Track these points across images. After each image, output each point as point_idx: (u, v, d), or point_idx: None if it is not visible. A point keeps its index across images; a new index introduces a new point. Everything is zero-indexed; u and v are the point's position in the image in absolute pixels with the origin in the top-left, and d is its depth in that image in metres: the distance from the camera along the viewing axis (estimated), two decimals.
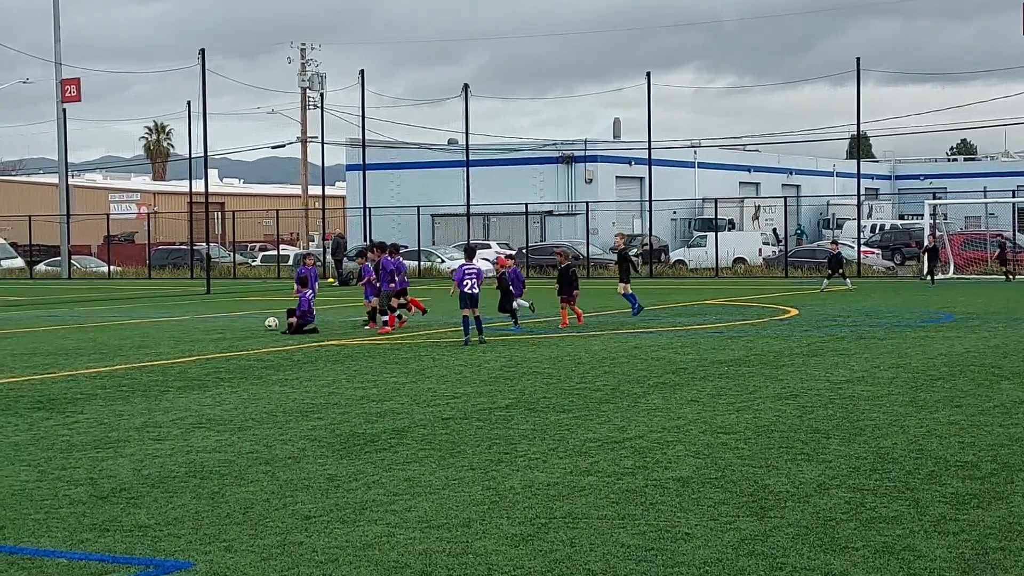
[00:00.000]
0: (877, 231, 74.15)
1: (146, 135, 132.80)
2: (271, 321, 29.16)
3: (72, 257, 75.58)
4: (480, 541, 8.90)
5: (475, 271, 25.03)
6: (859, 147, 70.25)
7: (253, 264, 75.62)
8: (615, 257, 44.20)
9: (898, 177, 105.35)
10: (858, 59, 59.76)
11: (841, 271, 45.14)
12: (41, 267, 77.95)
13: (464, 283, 24.72)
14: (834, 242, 50.33)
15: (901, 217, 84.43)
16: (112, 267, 75.28)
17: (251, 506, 10.12)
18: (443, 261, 66.51)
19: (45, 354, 23.76)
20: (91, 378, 19.61)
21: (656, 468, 11.43)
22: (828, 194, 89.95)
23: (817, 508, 9.76)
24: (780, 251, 66.63)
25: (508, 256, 35.77)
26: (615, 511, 9.74)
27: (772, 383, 17.48)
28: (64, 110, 74.47)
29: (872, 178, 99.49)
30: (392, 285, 27.88)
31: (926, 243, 51.10)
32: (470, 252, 26.54)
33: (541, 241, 72.54)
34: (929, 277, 48.38)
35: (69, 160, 77.95)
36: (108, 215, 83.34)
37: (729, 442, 12.75)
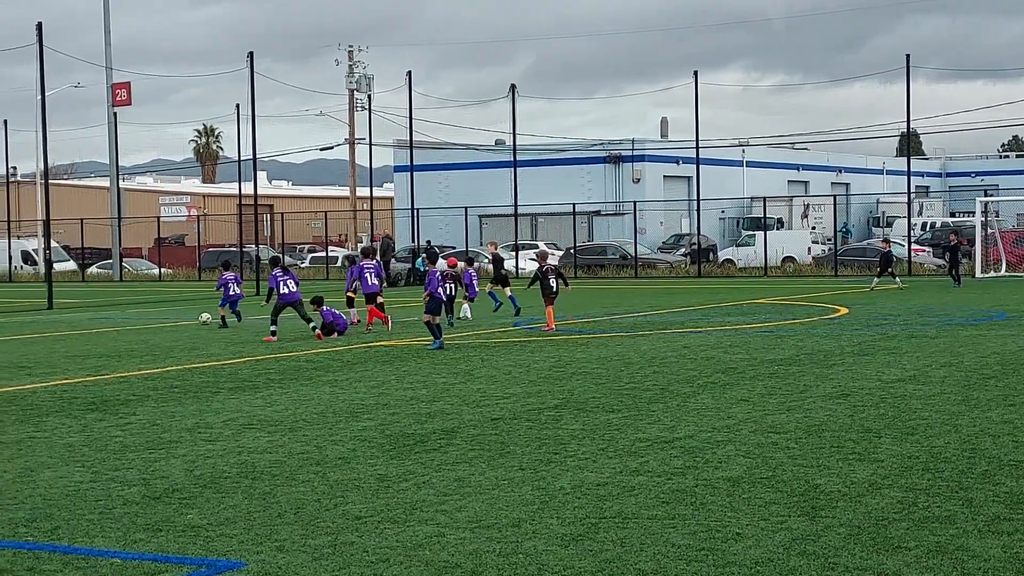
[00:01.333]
0: (928, 229, 73.60)
1: (196, 138, 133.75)
2: (205, 317, 31.96)
3: (123, 259, 76.19)
4: (530, 541, 8.90)
5: (451, 276, 25.66)
6: (909, 144, 69.74)
7: (302, 266, 75.98)
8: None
9: (949, 175, 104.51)
10: (908, 56, 59.37)
11: (891, 270, 44.81)
12: (93, 269, 78.64)
13: (438, 290, 24.59)
14: (885, 240, 49.92)
15: (952, 215, 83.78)
16: (163, 269, 75.81)
17: (302, 506, 10.17)
18: (490, 261, 66.53)
19: (98, 356, 23.96)
20: (143, 379, 19.76)
21: (706, 468, 11.40)
22: (878, 192, 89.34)
23: (869, 508, 9.70)
24: (829, 250, 66.25)
25: (469, 259, 35.98)
26: (665, 511, 9.72)
27: (823, 382, 17.39)
28: (115, 114, 75.07)
29: (922, 176, 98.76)
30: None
31: (951, 241, 49.04)
32: (469, 261, 26.81)
33: (589, 241, 72.45)
34: (953, 276, 46.18)
35: (120, 163, 78.59)
36: (159, 218, 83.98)
37: (780, 442, 12.69)
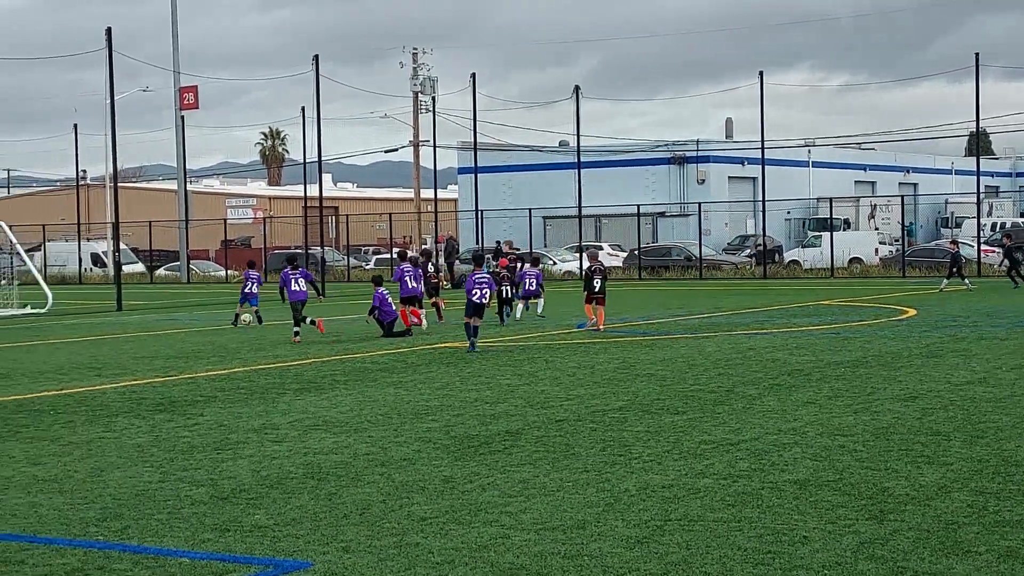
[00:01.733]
0: (997, 229, 72.71)
1: (261, 141, 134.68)
2: (246, 318, 32.91)
3: (191, 261, 76.85)
4: (595, 543, 8.88)
5: (486, 280, 25.03)
6: (978, 144, 69.03)
7: (367, 267, 76.28)
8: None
9: (1019, 174, 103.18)
10: (977, 55, 58.68)
11: (959, 271, 44.29)
12: (161, 271, 79.35)
13: (473, 292, 24.56)
14: (953, 241, 49.38)
15: (1022, 215, 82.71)
16: (229, 271, 76.38)
17: (368, 507, 10.21)
18: (555, 263, 66.51)
19: (166, 357, 24.19)
20: (211, 380, 19.93)
21: (772, 471, 11.33)
22: (947, 192, 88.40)
23: (938, 511, 9.60)
24: (897, 250, 65.64)
25: (535, 259, 36.77)
26: (731, 514, 9.67)
27: (890, 384, 17.23)
28: (182, 117, 75.74)
29: (992, 175, 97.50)
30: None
31: (1005, 243, 47.90)
32: (478, 259, 26.40)
33: (653, 242, 72.24)
34: (1013, 278, 44.91)
35: (187, 166, 79.30)
36: (225, 220, 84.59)
37: (847, 444, 12.59)
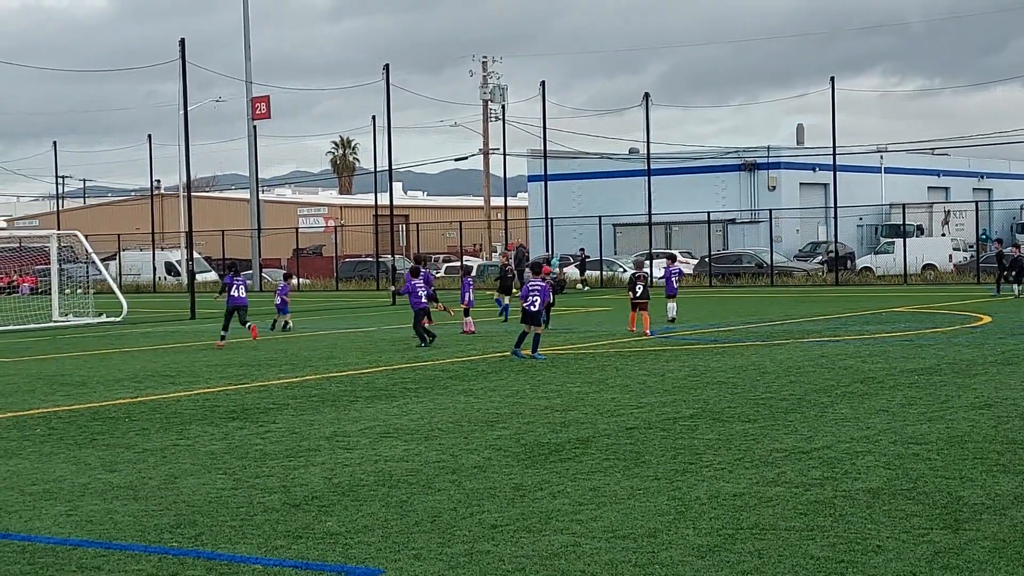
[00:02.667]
0: None
1: (332, 150, 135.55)
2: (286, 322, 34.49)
3: (263, 270, 77.47)
4: (666, 552, 8.86)
5: (540, 288, 24.82)
6: None
7: (437, 275, 76.52)
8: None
9: None
10: None
11: (1019, 275, 43.71)
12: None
13: (528, 299, 24.53)
14: (1015, 246, 48.83)
15: None
16: (301, 279, 76.92)
17: (438, 515, 10.24)
18: (625, 271, 66.38)
19: (238, 365, 24.41)
20: (282, 388, 20.08)
21: (845, 479, 11.24)
22: (1022, 198, 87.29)
23: (1015, 521, 9.48)
24: (971, 257, 64.91)
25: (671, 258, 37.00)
26: (803, 522, 9.61)
27: (965, 392, 17.04)
28: (254, 127, 76.38)
29: None
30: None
31: (1008, 252, 46.45)
32: (535, 267, 26.51)
33: (724, 249, 71.93)
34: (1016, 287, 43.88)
35: (259, 175, 79.96)
36: (297, 229, 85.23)
37: (921, 453, 12.47)
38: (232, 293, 30.64)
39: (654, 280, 33.25)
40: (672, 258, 36.81)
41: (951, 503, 10.14)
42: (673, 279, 33.90)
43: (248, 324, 30.55)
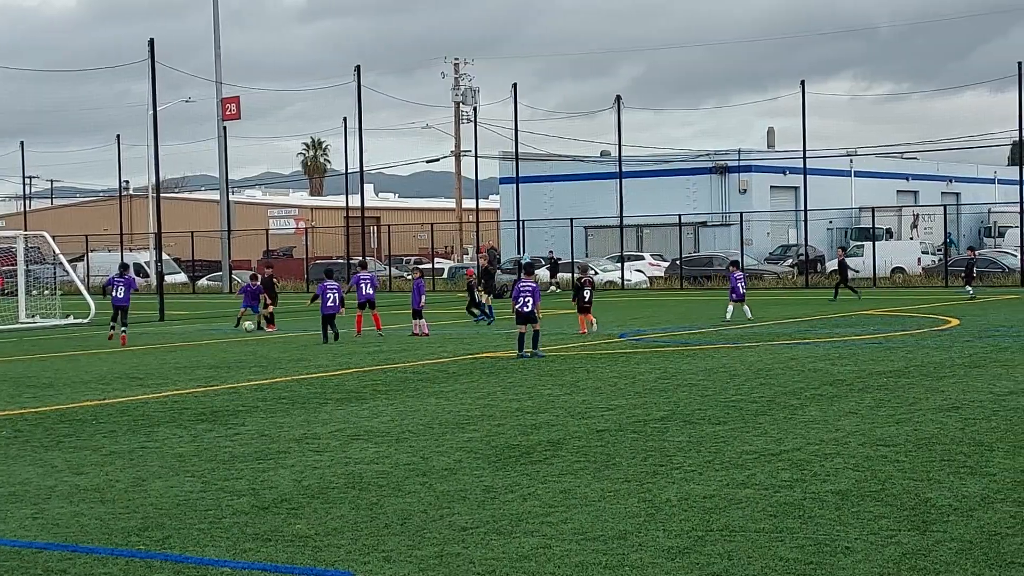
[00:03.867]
0: None
1: (303, 151, 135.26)
2: (248, 325, 34.73)
3: (233, 272, 77.21)
4: (636, 554, 8.86)
5: (531, 288, 24.99)
6: (1021, 153, 68.25)
7: (408, 278, 76.41)
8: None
9: None
10: (1020, 63, 58.26)
11: (970, 276, 45.33)
12: (203, 282, 79.75)
13: (520, 300, 24.72)
14: (971, 248, 49.85)
15: None
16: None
17: (409, 517, 10.22)
18: (596, 273, 66.45)
19: (208, 367, 24.32)
20: (252, 391, 20.01)
21: (814, 481, 11.27)
22: (989, 202, 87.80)
23: (981, 522, 9.53)
24: (940, 260, 65.25)
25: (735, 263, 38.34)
26: (773, 524, 9.63)
27: (933, 395, 17.12)
28: (224, 128, 76.12)
29: None
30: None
31: (968, 256, 48.38)
32: (528, 268, 26.93)
33: (695, 252, 72.09)
34: (968, 288, 45.79)
35: (230, 177, 79.68)
36: (267, 230, 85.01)
37: (889, 455, 12.52)
38: (113, 294, 32.96)
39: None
40: (736, 264, 38.09)
41: (919, 505, 10.18)
42: (740, 284, 35.75)
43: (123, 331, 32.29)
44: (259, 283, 36.36)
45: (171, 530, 9.99)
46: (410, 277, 73.48)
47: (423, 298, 32.16)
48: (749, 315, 34.66)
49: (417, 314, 31.90)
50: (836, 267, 49.26)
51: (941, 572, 8.19)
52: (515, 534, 9.54)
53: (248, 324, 34.78)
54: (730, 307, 35.20)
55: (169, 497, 11.29)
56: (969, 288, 45.48)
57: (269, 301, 35.41)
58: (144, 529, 10.06)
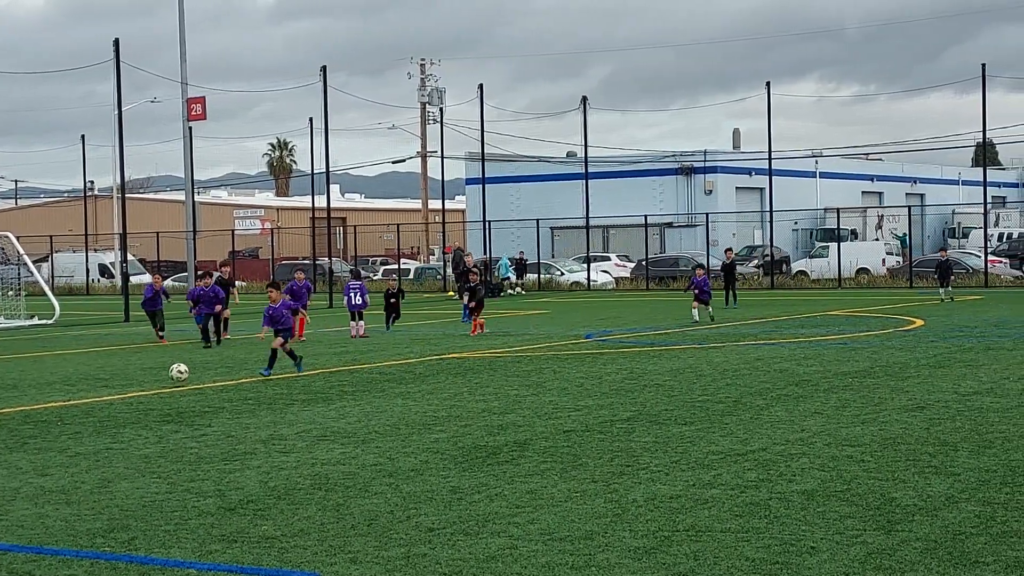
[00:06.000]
0: (1005, 240, 72.68)
1: (269, 152, 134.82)
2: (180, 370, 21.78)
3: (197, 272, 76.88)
4: (603, 554, 8.88)
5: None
6: (985, 154, 68.91)
7: (375, 278, 76.29)
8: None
9: None
10: (983, 65, 58.70)
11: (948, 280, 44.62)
12: (168, 282, 79.35)
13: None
14: (942, 249, 49.78)
15: None
16: (237, 282, 76.42)
17: (375, 518, 10.21)
18: (563, 274, 66.51)
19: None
20: (217, 392, 19.94)
21: (780, 481, 11.32)
22: (954, 203, 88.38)
23: (946, 522, 9.59)
24: (904, 261, 65.63)
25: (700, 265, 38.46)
26: (739, 524, 9.66)
27: (898, 395, 17.22)
28: (190, 128, 75.75)
29: (999, 186, 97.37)
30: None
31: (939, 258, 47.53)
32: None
33: (661, 253, 72.25)
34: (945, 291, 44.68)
35: (196, 177, 79.33)
36: (233, 231, 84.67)
37: (855, 455, 12.58)
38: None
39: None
40: (701, 267, 37.40)
41: (884, 504, 10.23)
42: (706, 287, 35.28)
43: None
44: (213, 283, 32.69)
45: (137, 531, 9.95)
46: (376, 279, 73.46)
47: (364, 299, 32.56)
48: (696, 317, 34.59)
49: (359, 315, 32.10)
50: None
51: (906, 571, 8.23)
52: (482, 535, 9.54)
53: (177, 371, 21.84)
54: (695, 309, 35.09)
55: (135, 498, 11.24)
56: (943, 290, 44.38)
57: (221, 308, 31.80)
58: (110, 531, 10.01)
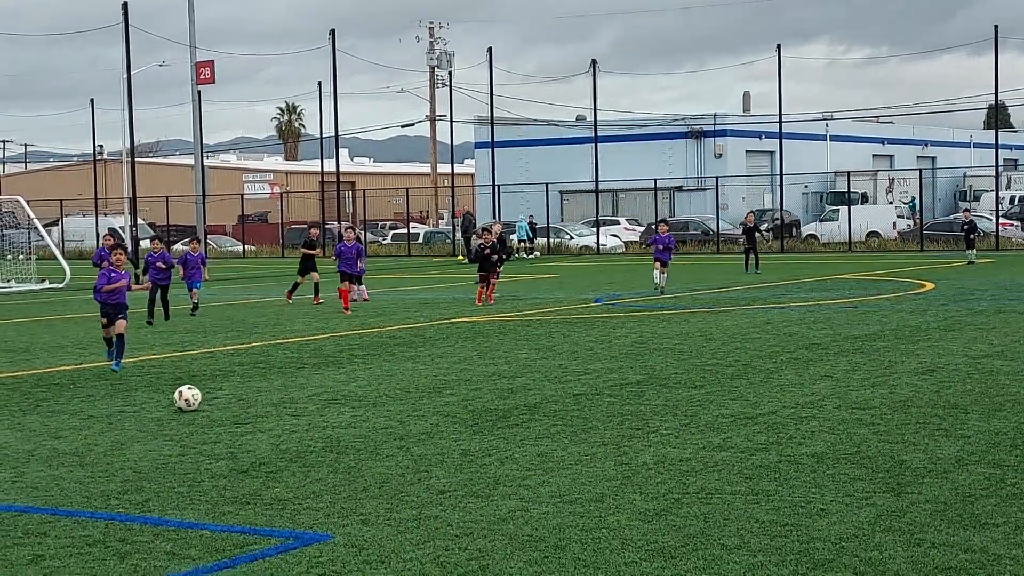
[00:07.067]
0: (1016, 203, 72.45)
1: (278, 116, 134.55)
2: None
3: (208, 236, 76.95)
4: (613, 516, 8.92)
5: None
6: (997, 117, 68.63)
7: (384, 242, 76.34)
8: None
9: None
10: (996, 26, 58.37)
11: (973, 238, 44.49)
12: (178, 247, 79.46)
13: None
14: (966, 210, 49.49)
15: None
16: (246, 246, 76.51)
17: (387, 480, 10.26)
18: (572, 238, 66.47)
19: (184, 332, 24.28)
20: (228, 355, 20.00)
21: (790, 444, 11.35)
22: (965, 166, 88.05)
23: (956, 484, 9.61)
24: (915, 224, 65.49)
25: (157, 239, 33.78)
26: (749, 487, 9.70)
27: (908, 358, 17.22)
28: (199, 92, 75.60)
29: (1011, 148, 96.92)
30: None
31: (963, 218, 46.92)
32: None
33: (670, 217, 72.16)
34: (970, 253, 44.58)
35: (204, 141, 79.24)
36: (242, 195, 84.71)
37: (864, 418, 12.60)
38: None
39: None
40: (664, 222, 34.90)
41: (894, 467, 10.26)
42: (666, 246, 32.50)
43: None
44: (201, 251, 30.91)
45: (150, 493, 10.01)
46: (384, 243, 73.42)
47: (361, 263, 31.96)
48: (659, 282, 31.83)
49: (354, 279, 31.32)
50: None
51: (916, 533, 8.27)
52: (493, 497, 9.59)
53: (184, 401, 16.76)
54: (656, 271, 32.04)
55: (148, 461, 11.30)
56: (971, 252, 44.10)
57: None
58: (123, 492, 10.07)
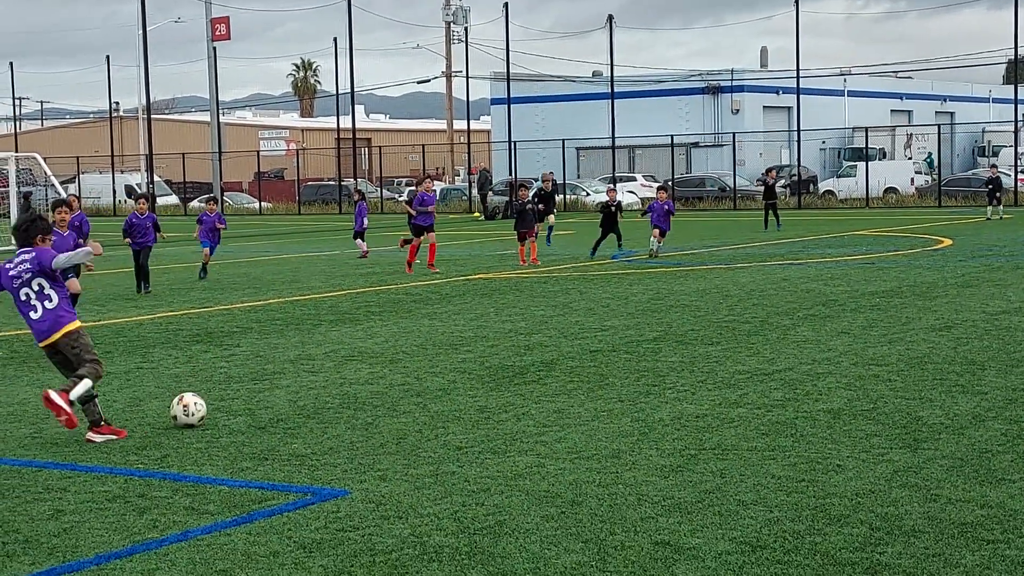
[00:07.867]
0: None
1: (294, 72, 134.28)
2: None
3: (224, 193, 77.02)
4: (630, 472, 8.94)
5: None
6: (1016, 72, 68.15)
7: (400, 199, 76.28)
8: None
9: None
10: None
11: (998, 195, 43.88)
12: (194, 204, 79.58)
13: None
14: (993, 166, 49.05)
15: None
16: (263, 203, 76.56)
17: (404, 437, 10.30)
18: (588, 194, 66.35)
19: (202, 289, 24.34)
20: (246, 312, 20.06)
21: (807, 400, 11.36)
22: (984, 121, 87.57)
23: (972, 440, 9.62)
24: (933, 180, 65.21)
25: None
26: (765, 443, 9.71)
27: (925, 314, 17.20)
28: (214, 49, 75.59)
29: None
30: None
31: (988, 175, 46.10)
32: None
33: (687, 173, 71.95)
34: (994, 208, 43.97)
35: (220, 98, 79.22)
36: (258, 152, 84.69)
37: (881, 374, 12.60)
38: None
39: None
40: (664, 188, 33.90)
41: (910, 423, 10.26)
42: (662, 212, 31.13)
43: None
44: (217, 211, 29.73)
45: (169, 449, 10.06)
46: (400, 199, 73.34)
47: (366, 220, 33.45)
48: (653, 247, 30.48)
49: (361, 236, 33.05)
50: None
51: (932, 489, 8.28)
52: (509, 453, 9.62)
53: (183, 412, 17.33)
54: (653, 238, 30.70)
55: (166, 417, 11.35)
56: (991, 208, 43.62)
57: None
58: (142, 448, 10.13)
